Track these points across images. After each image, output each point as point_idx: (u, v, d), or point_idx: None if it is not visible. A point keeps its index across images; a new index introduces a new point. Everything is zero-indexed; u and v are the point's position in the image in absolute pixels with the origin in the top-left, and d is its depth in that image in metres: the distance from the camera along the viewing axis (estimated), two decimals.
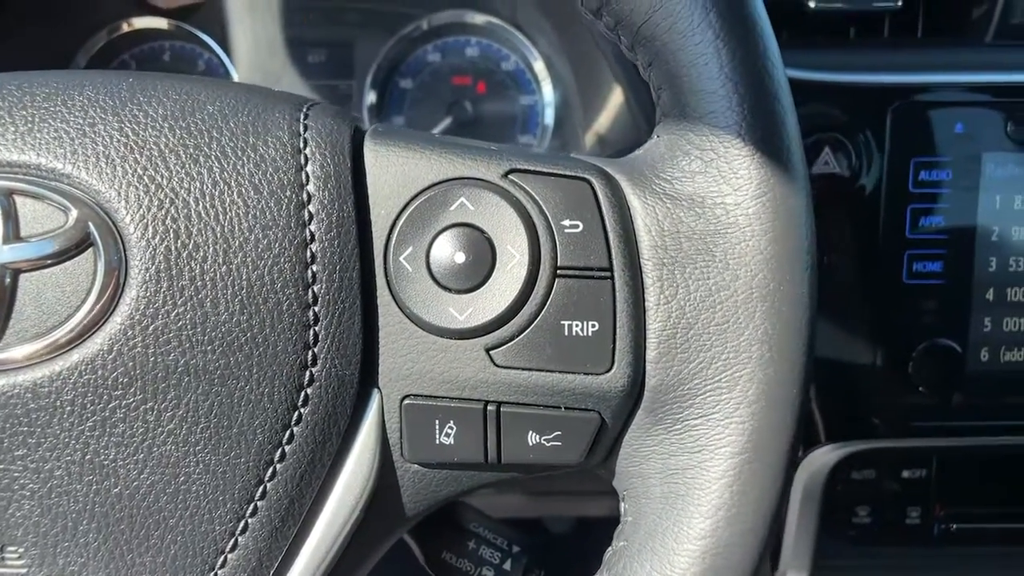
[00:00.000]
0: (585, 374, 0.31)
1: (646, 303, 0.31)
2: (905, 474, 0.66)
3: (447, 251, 0.31)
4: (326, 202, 0.30)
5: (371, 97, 0.78)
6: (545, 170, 0.32)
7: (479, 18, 0.77)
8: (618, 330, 0.30)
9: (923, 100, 0.55)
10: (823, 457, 0.62)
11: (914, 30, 0.63)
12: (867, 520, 0.67)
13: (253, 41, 0.78)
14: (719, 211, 0.30)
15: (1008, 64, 0.57)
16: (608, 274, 0.30)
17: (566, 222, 0.31)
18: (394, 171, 0.32)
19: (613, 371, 0.30)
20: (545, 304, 0.31)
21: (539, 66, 0.79)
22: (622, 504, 0.34)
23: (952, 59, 0.57)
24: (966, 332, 0.58)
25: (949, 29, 0.62)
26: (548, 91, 0.79)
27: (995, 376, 0.59)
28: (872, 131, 0.56)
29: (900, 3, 0.58)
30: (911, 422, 0.59)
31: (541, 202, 0.31)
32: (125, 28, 0.74)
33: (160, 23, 0.74)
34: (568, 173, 0.31)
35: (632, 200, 0.32)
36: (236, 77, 0.78)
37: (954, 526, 0.66)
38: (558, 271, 0.31)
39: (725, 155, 0.30)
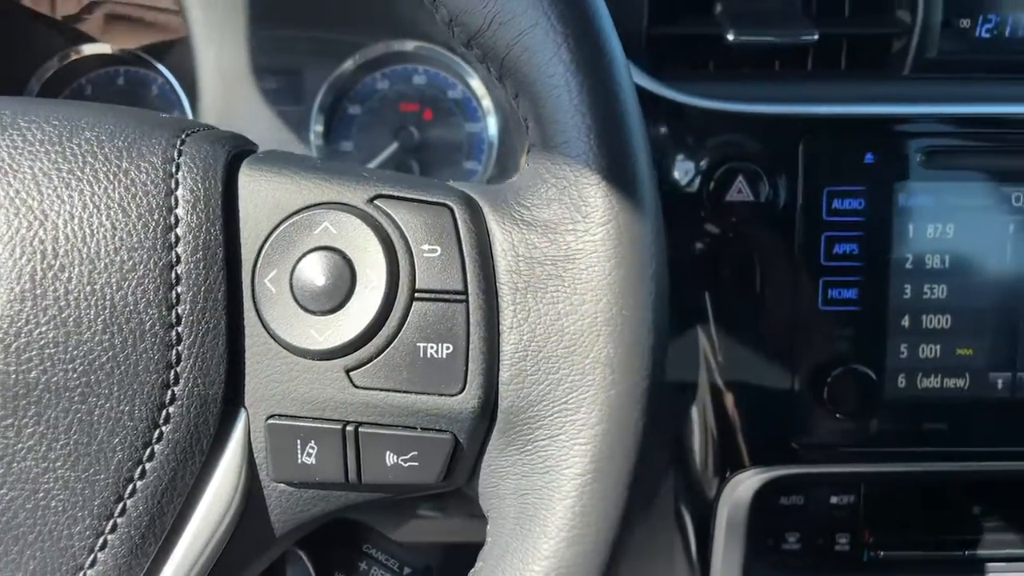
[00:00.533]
0: (439, 395, 0.31)
1: (500, 326, 0.32)
2: (833, 500, 0.66)
3: (309, 274, 0.32)
4: (194, 225, 0.31)
5: (319, 123, 0.79)
6: (408, 196, 0.33)
7: (423, 47, 0.79)
8: (471, 352, 0.31)
9: (834, 131, 0.57)
10: (746, 481, 0.62)
11: (838, 63, 0.64)
12: (796, 547, 0.67)
13: (205, 68, 0.80)
14: (570, 237, 0.31)
15: (917, 96, 0.58)
16: (463, 298, 0.31)
17: (425, 247, 0.32)
18: (264, 195, 0.33)
19: (465, 392, 0.31)
20: (402, 326, 0.32)
21: (483, 93, 0.81)
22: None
23: (862, 91, 0.59)
24: (882, 358, 0.59)
25: (870, 62, 0.63)
26: (492, 119, 0.81)
27: (913, 402, 0.59)
28: (786, 161, 0.57)
29: (817, 36, 0.60)
30: (830, 447, 0.60)
31: (402, 227, 0.32)
32: (74, 56, 0.75)
33: (107, 48, 0.76)
34: (429, 199, 0.32)
35: (492, 226, 0.33)
36: (186, 103, 0.79)
37: (882, 552, 0.66)
38: (415, 294, 0.32)
39: (576, 183, 0.31)
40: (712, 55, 0.62)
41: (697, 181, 0.57)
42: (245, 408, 0.33)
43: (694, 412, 0.62)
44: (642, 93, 0.56)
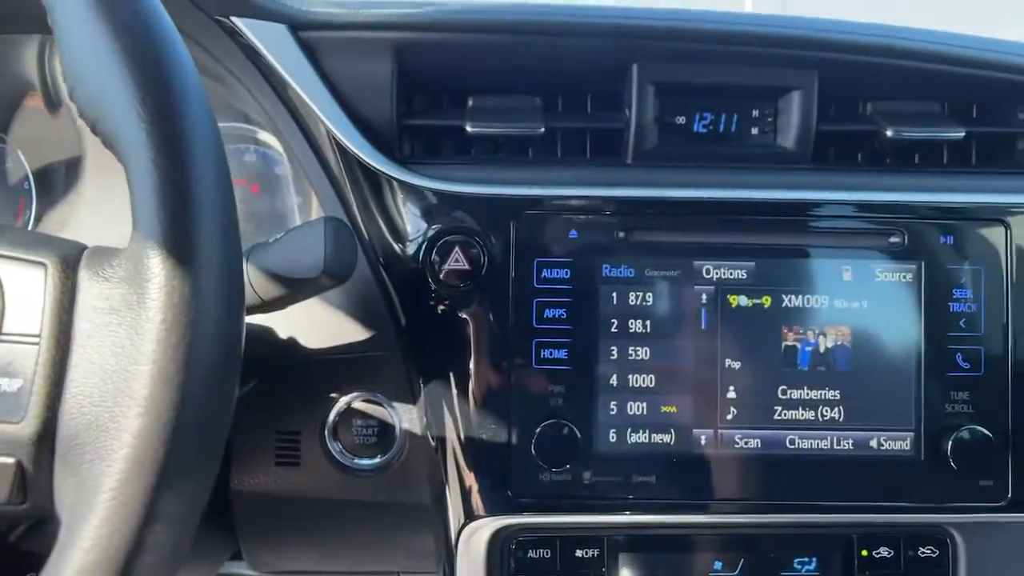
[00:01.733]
0: (6, 423, 0.36)
1: (68, 365, 0.37)
2: (579, 554, 0.70)
3: None
4: None
5: None
6: (8, 254, 0.39)
7: (236, 127, 0.87)
8: (35, 387, 0.36)
9: (542, 210, 0.64)
10: (476, 532, 0.66)
11: (581, 151, 0.72)
12: None
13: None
14: (132, 295, 0.37)
15: (621, 181, 0.66)
16: (36, 340, 0.37)
17: (14, 297, 0.38)
18: None
19: (24, 421, 0.36)
20: None
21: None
22: None
23: (574, 176, 0.67)
24: (592, 414, 0.64)
25: (608, 152, 0.71)
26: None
27: (622, 456, 0.64)
28: (500, 234, 0.64)
29: (542, 130, 0.68)
30: (547, 499, 0.64)
31: (1, 279, 0.38)
32: None
33: None
34: (27, 257, 0.39)
35: (81, 281, 0.39)
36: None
37: None
38: (1, 336, 0.38)
39: (145, 251, 0.38)
40: (451, 143, 0.70)
41: (422, 253, 0.64)
42: None
43: (432, 464, 0.67)
44: (380, 175, 0.65)
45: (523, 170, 0.68)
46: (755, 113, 0.71)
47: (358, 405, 0.72)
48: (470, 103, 0.71)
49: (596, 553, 0.70)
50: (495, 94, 0.72)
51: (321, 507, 0.72)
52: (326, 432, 0.71)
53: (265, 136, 0.89)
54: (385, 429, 0.72)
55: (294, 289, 0.56)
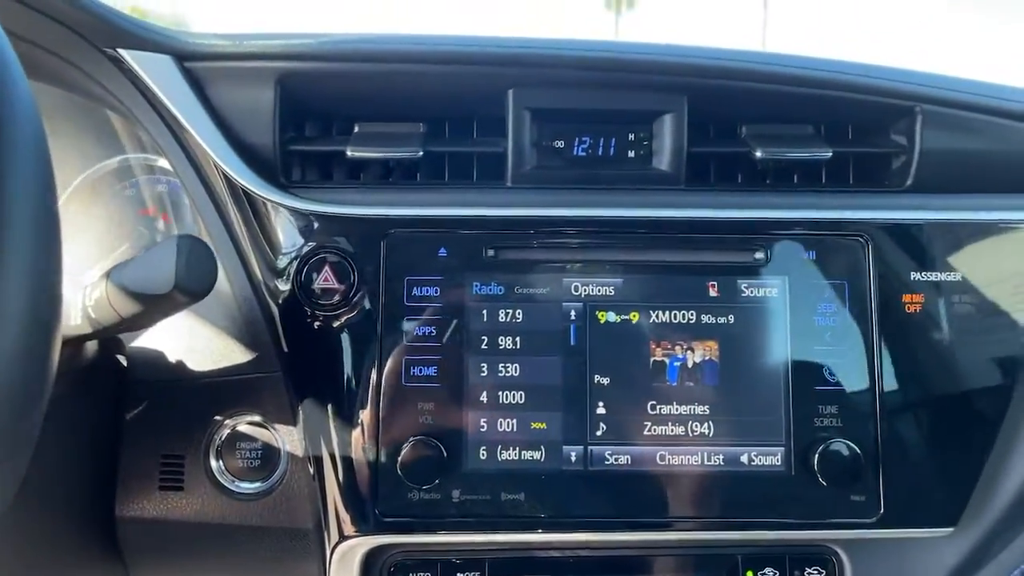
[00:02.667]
0: None
1: None
2: None
3: None
4: None
5: None
6: None
7: (160, 161, 0.89)
8: None
9: (411, 229, 0.66)
10: (348, 551, 0.65)
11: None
12: None
13: None
14: None
15: (492, 202, 0.68)
16: None
17: None
18: None
19: None
20: None
21: None
22: None
23: (447, 198, 0.68)
24: (461, 432, 0.64)
25: (492, 175, 0.73)
26: None
27: (492, 473, 0.64)
28: (371, 253, 0.65)
29: (421, 153, 0.70)
30: (417, 517, 0.63)
31: None
32: None
33: None
34: None
35: None
36: None
37: None
38: None
39: None
40: (335, 167, 0.72)
41: (293, 273, 0.65)
42: None
43: (313, 486, 0.67)
44: (258, 199, 0.66)
45: (402, 193, 0.70)
46: (631, 137, 0.73)
47: (242, 428, 0.72)
48: (356, 129, 0.74)
49: None
50: (383, 121, 0.74)
51: (207, 532, 0.71)
52: (210, 456, 0.70)
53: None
54: (269, 452, 0.71)
55: (149, 305, 0.57)
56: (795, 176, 0.75)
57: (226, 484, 0.71)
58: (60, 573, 0.72)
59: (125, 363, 0.74)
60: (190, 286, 0.56)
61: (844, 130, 0.76)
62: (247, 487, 0.71)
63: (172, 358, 0.72)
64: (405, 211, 0.66)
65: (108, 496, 0.72)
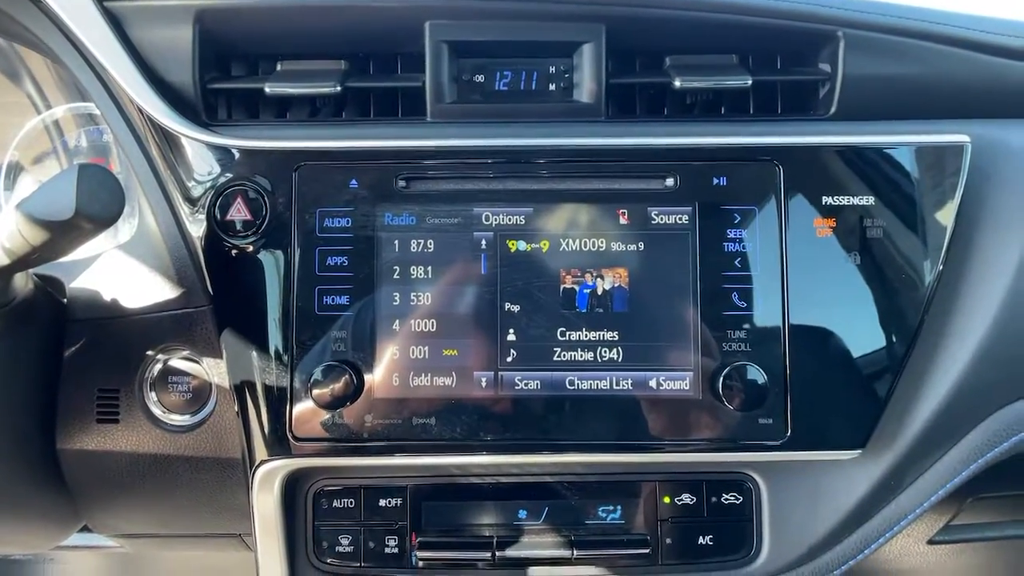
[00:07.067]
0: None
1: None
2: (382, 503, 0.70)
3: None
4: None
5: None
6: None
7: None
8: None
9: (321, 161, 0.66)
10: (271, 476, 0.67)
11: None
12: (349, 549, 0.70)
13: None
14: None
15: (405, 135, 0.68)
16: None
17: None
18: None
19: None
20: None
21: None
22: None
23: (360, 132, 0.69)
24: (374, 358, 0.65)
25: (406, 111, 0.73)
26: None
27: (405, 399, 0.65)
28: (283, 186, 0.66)
29: (339, 88, 0.70)
30: (329, 441, 0.65)
31: None
32: None
33: None
34: None
35: None
36: None
37: (425, 554, 0.69)
38: None
39: None
40: (273, 109, 0.73)
41: (208, 206, 0.66)
42: None
43: (233, 410, 0.68)
44: (177, 135, 0.67)
45: (322, 129, 0.71)
46: (552, 70, 0.73)
47: (174, 363, 0.74)
48: (279, 67, 0.74)
49: (399, 502, 0.71)
50: (305, 59, 0.75)
51: (144, 463, 0.73)
52: (144, 389, 0.73)
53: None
54: (200, 386, 0.73)
55: (56, 232, 0.58)
56: (722, 108, 0.74)
57: (160, 416, 0.73)
58: (9, 504, 0.75)
59: (66, 303, 0.76)
60: (92, 211, 0.57)
61: (772, 60, 0.75)
62: (179, 420, 0.73)
63: (107, 297, 0.74)
64: (316, 143, 0.67)
65: (48, 433, 0.74)
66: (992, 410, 0.69)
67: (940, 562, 1.03)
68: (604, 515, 0.71)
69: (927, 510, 0.70)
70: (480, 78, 0.73)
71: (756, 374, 0.64)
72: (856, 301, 0.66)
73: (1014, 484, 0.85)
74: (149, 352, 0.73)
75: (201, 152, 0.67)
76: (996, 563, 1.07)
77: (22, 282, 0.69)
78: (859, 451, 0.66)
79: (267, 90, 0.70)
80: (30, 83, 0.91)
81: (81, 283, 0.76)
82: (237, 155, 0.67)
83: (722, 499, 0.70)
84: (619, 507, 0.71)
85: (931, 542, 0.95)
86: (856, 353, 0.66)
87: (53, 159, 0.90)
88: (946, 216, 0.68)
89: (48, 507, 0.79)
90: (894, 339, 0.66)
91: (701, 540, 0.70)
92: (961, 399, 0.68)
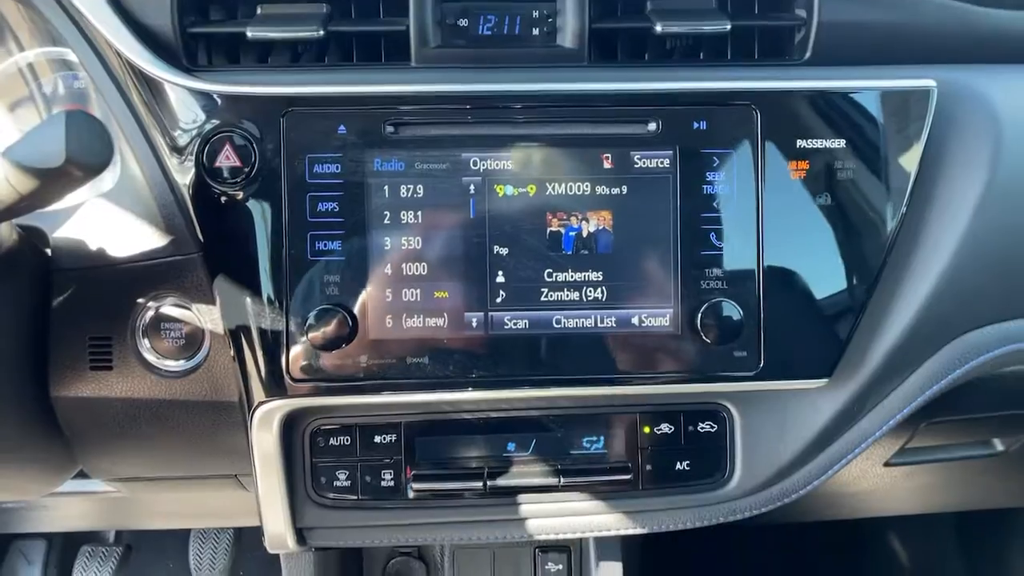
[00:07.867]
0: None
1: None
2: (377, 439, 0.74)
3: None
4: None
5: None
6: None
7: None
8: None
9: (310, 107, 0.67)
10: (269, 416, 0.69)
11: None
12: (347, 484, 0.74)
13: None
14: None
15: (393, 80, 0.69)
16: None
17: None
18: None
19: None
20: None
21: None
22: None
23: (348, 77, 0.69)
24: (366, 301, 0.68)
25: (390, 56, 0.73)
26: None
27: (398, 340, 0.68)
28: (271, 132, 0.67)
29: (321, 33, 0.70)
30: (325, 381, 0.68)
31: None
32: None
33: None
34: None
35: None
36: None
37: (420, 486, 0.73)
38: None
39: None
40: (255, 53, 0.72)
41: (195, 152, 0.66)
42: None
43: (227, 354, 0.70)
44: (159, 81, 0.67)
45: (306, 74, 0.71)
46: (535, 14, 0.73)
47: (166, 310, 0.74)
48: (259, 11, 0.73)
49: (393, 439, 0.74)
50: (285, 2, 0.74)
51: (139, 408, 0.75)
52: (136, 336, 0.74)
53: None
54: (193, 332, 0.75)
55: (45, 180, 0.58)
56: (701, 53, 0.76)
57: (154, 363, 0.74)
58: (4, 451, 0.77)
59: (50, 254, 0.76)
60: (82, 158, 0.57)
61: (751, 5, 0.77)
62: (173, 365, 0.74)
63: (93, 246, 0.74)
64: (304, 89, 0.67)
65: (41, 382, 0.75)
66: (947, 340, 0.74)
67: (895, 482, 1.11)
68: (588, 445, 0.75)
69: (885, 434, 0.76)
70: (464, 22, 0.73)
71: (732, 310, 0.67)
72: (825, 240, 0.69)
73: (964, 409, 0.91)
74: (140, 300, 0.74)
75: (185, 99, 0.67)
76: (946, 483, 1.16)
77: (6, 232, 0.69)
78: (825, 380, 0.71)
79: (249, 34, 0.70)
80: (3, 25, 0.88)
81: (64, 233, 0.75)
82: (222, 101, 0.67)
83: (698, 428, 0.75)
84: (602, 437, 0.75)
85: (887, 464, 1.03)
86: (824, 289, 0.70)
87: (31, 105, 0.88)
88: (911, 160, 0.71)
89: (43, 454, 0.81)
90: (859, 276, 0.70)
91: (679, 466, 0.76)
92: (920, 331, 0.73)
